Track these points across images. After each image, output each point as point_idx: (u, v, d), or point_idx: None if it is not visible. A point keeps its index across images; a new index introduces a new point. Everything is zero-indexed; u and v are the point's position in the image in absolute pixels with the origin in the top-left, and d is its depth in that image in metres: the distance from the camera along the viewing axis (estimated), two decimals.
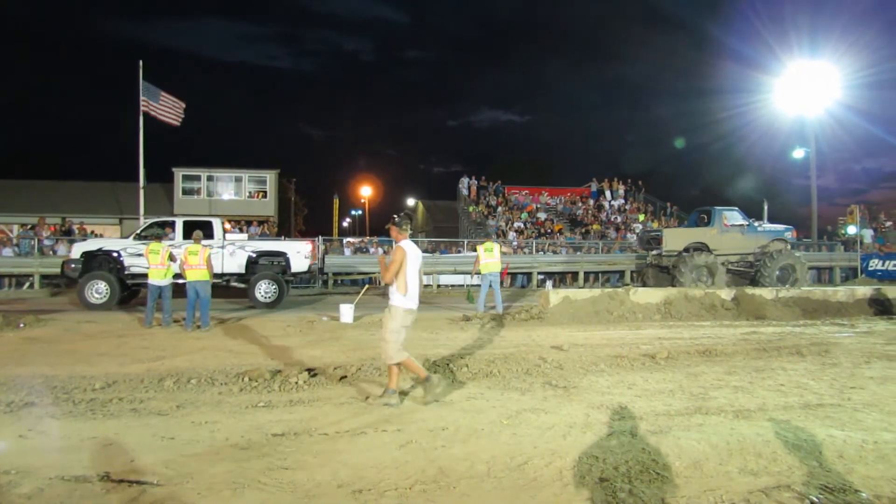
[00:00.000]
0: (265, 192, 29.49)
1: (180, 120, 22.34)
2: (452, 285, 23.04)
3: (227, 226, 17.08)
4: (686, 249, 17.85)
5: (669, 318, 12.30)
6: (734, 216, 18.59)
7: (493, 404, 5.79)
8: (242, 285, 15.01)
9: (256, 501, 3.61)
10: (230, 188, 29.49)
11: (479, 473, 4.06)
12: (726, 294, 13.32)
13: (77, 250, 14.37)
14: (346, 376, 6.86)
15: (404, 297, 5.73)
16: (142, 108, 21.63)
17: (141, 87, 21.58)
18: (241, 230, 24.43)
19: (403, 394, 6.04)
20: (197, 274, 10.60)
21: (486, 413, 5.48)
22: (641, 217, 31.04)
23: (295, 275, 15.60)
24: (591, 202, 33.02)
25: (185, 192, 28.63)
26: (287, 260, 15.07)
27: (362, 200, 54.67)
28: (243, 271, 14.87)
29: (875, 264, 23.24)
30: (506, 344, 9.31)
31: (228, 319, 11.98)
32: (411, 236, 6.25)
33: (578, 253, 24.84)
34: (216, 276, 14.55)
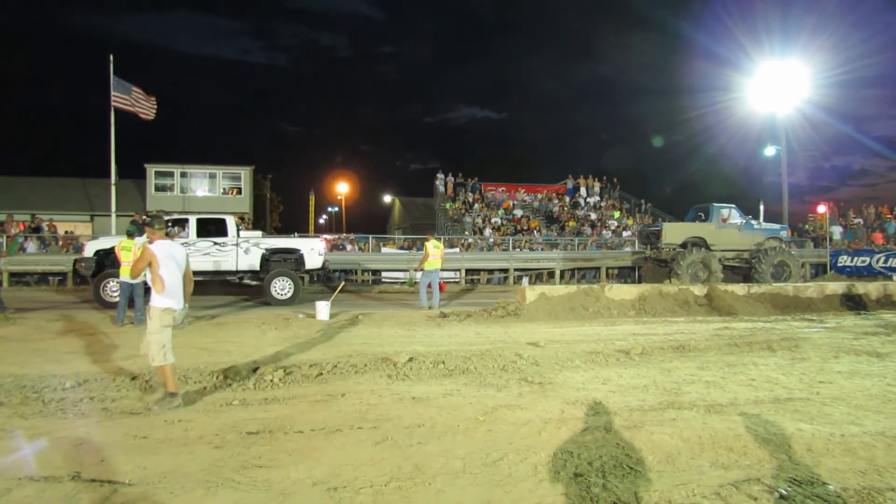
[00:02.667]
0: (240, 189, 29.19)
1: (153, 114, 22.05)
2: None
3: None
4: (684, 245, 18.29)
5: (644, 314, 12.44)
6: (732, 213, 19.02)
7: (470, 401, 5.81)
8: (256, 283, 14.95)
9: (230, 500, 3.58)
10: (204, 185, 29.14)
11: (455, 469, 4.07)
12: (699, 290, 13.51)
13: (90, 249, 14.14)
14: (321, 374, 6.82)
15: (161, 296, 5.63)
16: (113, 103, 21.30)
17: (112, 82, 21.26)
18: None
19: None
20: None
21: (463, 409, 5.49)
22: (616, 214, 31.35)
23: (309, 271, 15.54)
24: (567, 199, 33.26)
25: (158, 188, 28.21)
26: (301, 257, 15.03)
27: (339, 197, 54.43)
28: (257, 269, 14.78)
29: (844, 261, 23.75)
30: (482, 340, 9.33)
31: (202, 317, 11.84)
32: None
33: (554, 250, 25.01)
34: (229, 273, 14.73)
